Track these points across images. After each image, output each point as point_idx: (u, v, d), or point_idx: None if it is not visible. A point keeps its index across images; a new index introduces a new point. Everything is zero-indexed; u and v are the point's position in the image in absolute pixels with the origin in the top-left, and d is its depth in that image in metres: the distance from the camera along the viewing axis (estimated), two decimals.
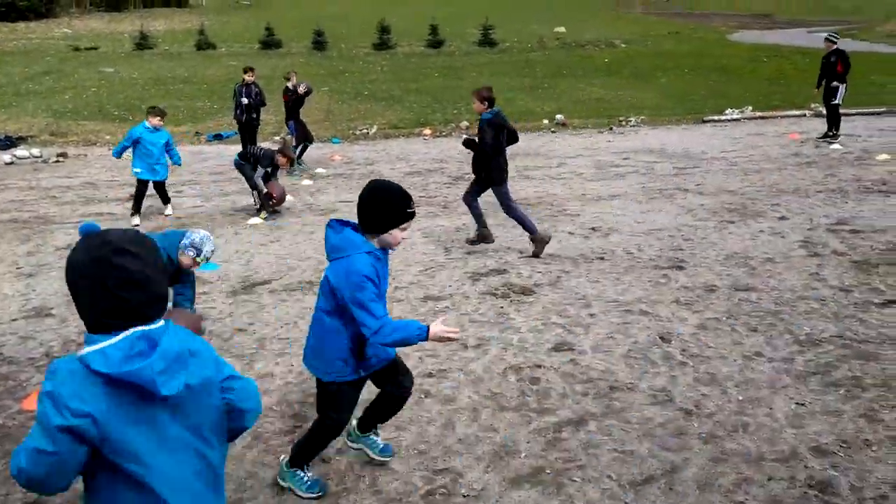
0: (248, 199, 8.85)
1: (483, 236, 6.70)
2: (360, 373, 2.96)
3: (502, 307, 5.32)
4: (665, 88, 20.87)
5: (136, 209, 8.36)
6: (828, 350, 4.44)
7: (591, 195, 9.17)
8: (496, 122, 6.31)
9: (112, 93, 20.82)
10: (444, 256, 6.69)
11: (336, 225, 2.84)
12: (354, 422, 3.32)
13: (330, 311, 2.84)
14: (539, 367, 4.34)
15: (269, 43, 32.65)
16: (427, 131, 15.65)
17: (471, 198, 6.61)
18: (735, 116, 16.38)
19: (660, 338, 4.72)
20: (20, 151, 13.35)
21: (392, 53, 31.22)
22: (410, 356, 4.50)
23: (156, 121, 8.30)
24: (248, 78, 11.78)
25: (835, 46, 12.12)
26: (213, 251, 4.55)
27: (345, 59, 29.25)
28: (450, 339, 2.76)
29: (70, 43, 34.18)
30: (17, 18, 41.98)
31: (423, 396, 4.01)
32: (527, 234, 6.56)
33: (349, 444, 3.37)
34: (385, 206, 2.76)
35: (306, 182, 10.56)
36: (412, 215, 2.80)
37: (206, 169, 12.03)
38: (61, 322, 5.26)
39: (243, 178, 8.76)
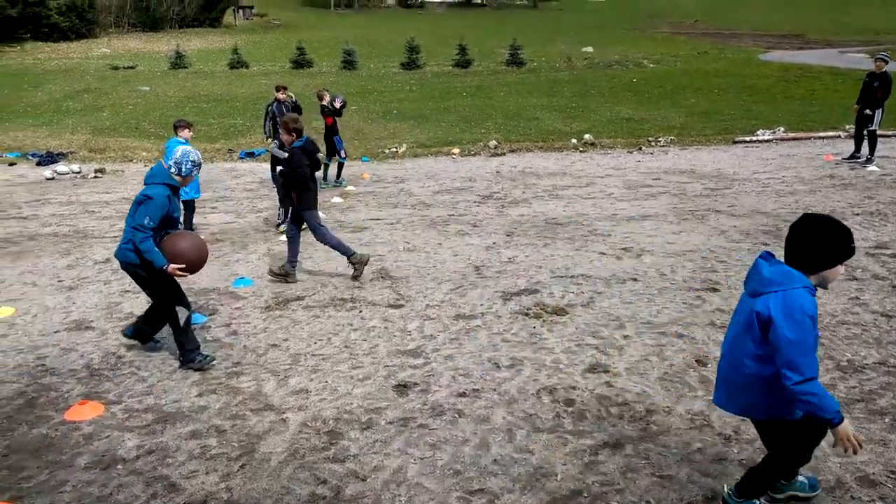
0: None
1: (286, 273, 6.60)
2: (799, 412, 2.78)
3: (535, 327, 5.30)
4: (695, 108, 20.73)
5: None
6: (871, 377, 4.34)
7: (621, 215, 9.12)
8: (308, 150, 6.54)
9: (148, 110, 21.36)
10: (474, 275, 6.69)
11: (769, 256, 2.77)
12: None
13: (762, 355, 2.69)
14: (574, 388, 4.31)
15: (300, 62, 33.30)
16: (455, 150, 15.74)
17: (294, 228, 6.64)
18: (767, 137, 16.19)
19: (696, 361, 4.65)
20: (60, 167, 13.74)
21: (421, 73, 31.58)
22: (443, 374, 4.52)
23: (188, 133, 8.05)
24: (280, 96, 11.56)
25: (885, 68, 11.73)
26: (189, 162, 4.59)
27: (374, 78, 29.66)
28: (847, 447, 2.57)
29: (109, 62, 35.24)
30: (59, 39, 43.41)
31: (457, 416, 4.00)
32: (347, 258, 6.65)
33: (774, 497, 3.14)
34: (834, 241, 2.66)
35: (336, 200, 10.69)
36: (854, 250, 2.72)
37: (238, 185, 12.24)
38: (101, 335, 5.37)
39: (276, 192, 8.79)
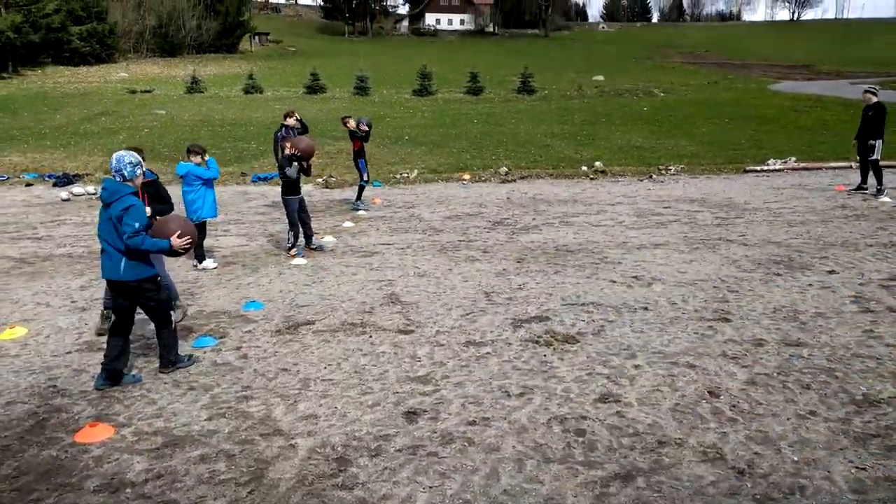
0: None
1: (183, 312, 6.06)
2: None
3: (545, 355, 5.28)
4: (705, 137, 20.80)
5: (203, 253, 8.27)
6: (887, 412, 4.27)
7: (632, 243, 9.11)
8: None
9: (163, 133, 21.66)
10: (484, 301, 6.69)
11: None
12: None
13: None
14: (584, 418, 4.27)
15: (314, 88, 33.75)
16: (466, 176, 15.84)
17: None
18: (777, 167, 16.19)
19: (708, 392, 4.61)
20: (76, 188, 13.93)
21: (433, 99, 31.93)
22: (453, 402, 4.50)
23: (198, 159, 8.08)
24: (291, 121, 11.57)
25: (875, 100, 12.00)
26: (127, 164, 4.65)
27: (386, 104, 29.99)
28: None
29: (127, 86, 35.85)
30: (79, 63, 44.29)
31: (466, 444, 3.97)
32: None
33: None
34: None
35: (348, 224, 10.75)
36: None
37: (250, 209, 12.35)
38: None
39: (287, 216, 8.80)
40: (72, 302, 6.84)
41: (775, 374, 4.86)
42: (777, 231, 9.63)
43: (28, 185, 14.93)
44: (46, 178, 15.38)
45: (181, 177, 8.14)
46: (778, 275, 7.41)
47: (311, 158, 8.78)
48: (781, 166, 16.21)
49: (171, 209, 6.48)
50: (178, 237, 4.73)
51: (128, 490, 3.56)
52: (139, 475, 3.69)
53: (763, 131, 21.64)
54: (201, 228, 8.26)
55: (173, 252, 4.75)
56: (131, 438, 4.09)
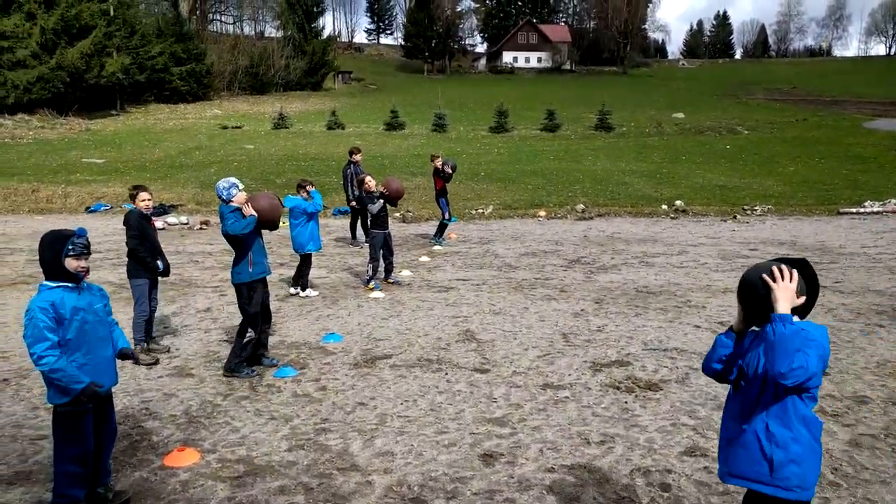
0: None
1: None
2: None
3: (626, 402, 5.10)
4: (794, 177, 19.92)
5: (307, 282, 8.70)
6: None
7: (716, 286, 8.75)
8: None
9: (251, 167, 22.77)
10: (562, 342, 6.56)
11: None
12: None
13: None
14: (669, 471, 4.07)
15: (393, 125, 34.72)
16: (542, 213, 15.76)
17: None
18: (876, 209, 15.27)
19: None
20: (170, 218, 14.77)
21: (509, 136, 32.16)
22: (531, 447, 4.39)
23: (304, 193, 8.61)
24: (357, 157, 12.01)
25: None
26: (223, 189, 5.54)
27: (463, 140, 30.45)
28: None
29: (219, 122, 38.04)
30: (178, 101, 47.48)
31: (544, 492, 3.86)
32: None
33: None
34: None
35: (424, 259, 10.87)
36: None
37: (331, 241, 12.70)
38: (200, 382, 5.60)
39: (369, 249, 8.97)
40: (164, 328, 7.18)
41: (882, 436, 4.49)
42: (878, 279, 9.03)
43: None
44: None
45: (289, 210, 8.53)
46: (881, 326, 6.92)
47: (398, 195, 9.03)
48: (880, 209, 15.28)
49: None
50: (251, 206, 5.52)
51: None
52: (222, 503, 3.78)
53: (858, 171, 20.55)
54: (306, 260, 8.60)
55: (265, 223, 5.63)
56: (215, 465, 4.21)
